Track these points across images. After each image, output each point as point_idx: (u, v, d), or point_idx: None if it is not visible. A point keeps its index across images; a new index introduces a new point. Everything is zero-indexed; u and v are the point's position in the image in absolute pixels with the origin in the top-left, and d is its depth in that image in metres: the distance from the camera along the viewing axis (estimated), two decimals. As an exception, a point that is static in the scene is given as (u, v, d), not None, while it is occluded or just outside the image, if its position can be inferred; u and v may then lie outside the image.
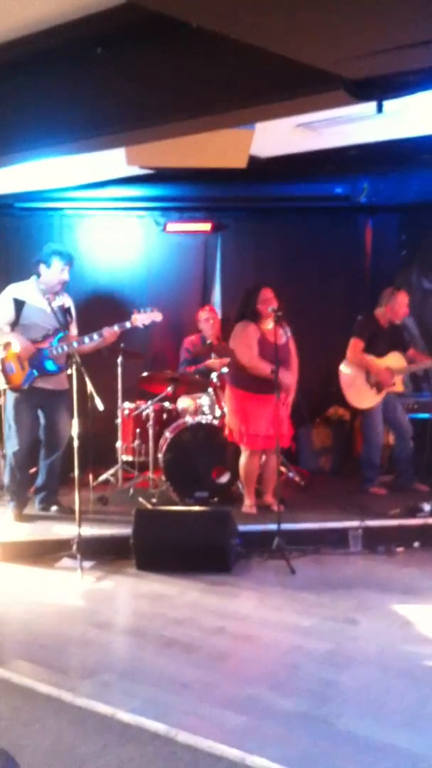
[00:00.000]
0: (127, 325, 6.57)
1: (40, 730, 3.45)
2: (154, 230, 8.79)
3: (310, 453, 8.38)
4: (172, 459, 6.92)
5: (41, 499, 6.83)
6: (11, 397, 6.54)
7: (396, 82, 3.82)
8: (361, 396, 7.27)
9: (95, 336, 6.43)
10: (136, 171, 7.15)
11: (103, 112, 4.57)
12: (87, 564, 5.70)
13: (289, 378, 6.56)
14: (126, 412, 7.64)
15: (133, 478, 7.53)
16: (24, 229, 8.41)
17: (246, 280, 8.03)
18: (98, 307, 8.34)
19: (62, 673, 4.06)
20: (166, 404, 7.59)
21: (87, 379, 5.69)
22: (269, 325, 6.50)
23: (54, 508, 6.79)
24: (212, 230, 8.79)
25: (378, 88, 3.87)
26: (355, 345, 7.26)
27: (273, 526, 5.91)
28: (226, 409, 6.89)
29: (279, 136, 6.12)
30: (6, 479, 6.77)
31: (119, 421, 7.61)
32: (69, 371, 5.79)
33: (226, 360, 7.02)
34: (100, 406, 5.74)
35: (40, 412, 6.68)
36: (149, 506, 6.74)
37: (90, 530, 5.93)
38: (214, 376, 7.30)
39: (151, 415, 7.36)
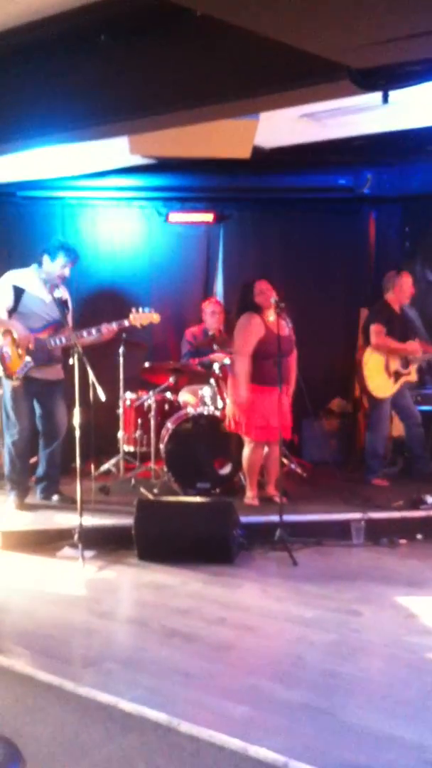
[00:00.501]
0: (125, 323, 6.59)
1: (42, 718, 3.44)
2: (157, 220, 8.77)
3: (314, 444, 8.36)
4: (174, 449, 6.91)
5: (42, 488, 6.84)
6: (8, 386, 6.53)
7: (402, 72, 3.81)
8: (382, 385, 7.26)
9: (93, 331, 6.43)
10: (138, 160, 7.13)
11: (107, 100, 4.56)
12: (88, 553, 5.70)
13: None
14: (128, 402, 7.63)
15: (134, 469, 7.53)
16: (26, 217, 8.40)
17: (248, 271, 8.02)
18: (100, 297, 8.34)
19: (64, 662, 4.06)
20: (168, 395, 7.58)
21: (89, 369, 5.69)
22: (271, 316, 6.48)
23: (55, 497, 6.80)
24: (215, 221, 8.77)
25: (383, 78, 3.86)
26: (378, 331, 7.24)
27: (275, 518, 5.91)
28: (228, 401, 6.88)
29: (283, 126, 6.10)
30: (6, 468, 6.77)
31: (121, 411, 7.60)
32: (71, 361, 5.78)
33: (228, 352, 7.01)
34: (102, 397, 5.74)
35: (36, 403, 6.68)
36: (151, 497, 6.73)
37: (91, 520, 5.93)
38: (216, 367, 7.29)
39: (153, 405, 7.35)
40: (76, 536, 5.68)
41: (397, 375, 7.24)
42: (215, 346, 7.63)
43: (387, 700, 3.62)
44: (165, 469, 6.95)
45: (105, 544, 5.93)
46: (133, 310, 6.67)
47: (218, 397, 7.15)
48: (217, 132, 5.57)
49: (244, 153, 6.07)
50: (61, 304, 6.53)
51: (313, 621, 4.59)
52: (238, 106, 4.42)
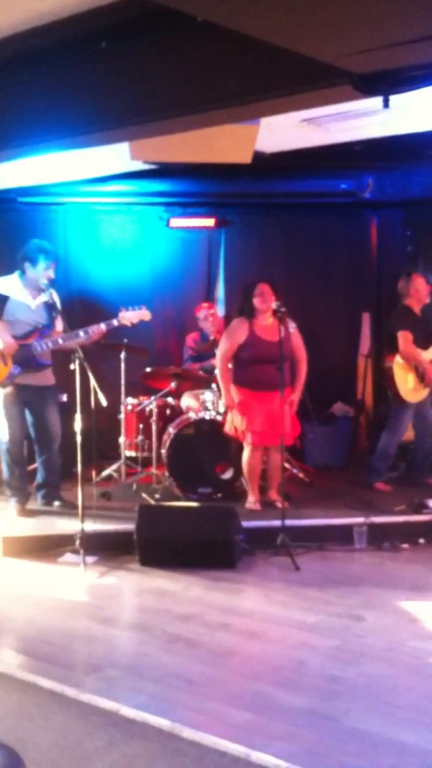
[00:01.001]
0: (114, 323, 6.54)
1: (44, 725, 3.44)
2: (158, 225, 8.77)
3: (315, 449, 8.35)
4: (176, 454, 6.91)
5: (43, 495, 6.82)
6: None
7: (403, 76, 3.80)
8: (412, 390, 7.19)
9: (81, 333, 6.36)
10: (140, 166, 7.14)
11: (108, 106, 4.57)
12: (90, 559, 5.69)
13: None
14: (129, 407, 7.63)
15: (136, 474, 7.53)
16: (27, 223, 8.40)
17: (250, 276, 8.00)
18: (101, 302, 8.34)
19: (66, 669, 4.06)
20: (170, 400, 7.58)
21: (90, 374, 5.68)
22: (268, 320, 6.48)
23: (56, 503, 6.78)
24: (216, 226, 8.77)
25: (384, 83, 3.85)
26: (405, 337, 7.15)
27: (277, 523, 5.89)
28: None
29: (284, 131, 6.11)
30: (5, 475, 6.76)
31: (122, 416, 7.60)
32: (72, 366, 5.77)
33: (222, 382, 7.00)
34: (104, 402, 5.74)
35: (27, 410, 6.66)
36: (152, 502, 6.73)
37: (93, 525, 5.92)
38: (217, 371, 7.28)
39: (155, 410, 7.35)
40: (77, 542, 5.67)
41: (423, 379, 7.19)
42: (216, 351, 7.62)
43: (390, 705, 3.61)
44: (167, 474, 6.95)
45: (107, 549, 5.92)
46: (122, 309, 6.63)
47: (220, 402, 7.15)
48: (218, 137, 5.58)
49: (245, 158, 6.07)
50: (49, 308, 6.50)
51: (315, 626, 4.58)
52: (238, 111, 4.43)
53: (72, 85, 4.62)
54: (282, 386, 6.07)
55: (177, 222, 8.73)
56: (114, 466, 7.64)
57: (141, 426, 7.57)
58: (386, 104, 4.16)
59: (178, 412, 7.50)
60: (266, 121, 5.45)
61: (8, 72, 4.78)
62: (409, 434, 7.71)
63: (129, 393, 7.64)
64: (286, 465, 7.23)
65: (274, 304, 6.28)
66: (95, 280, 8.63)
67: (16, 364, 6.36)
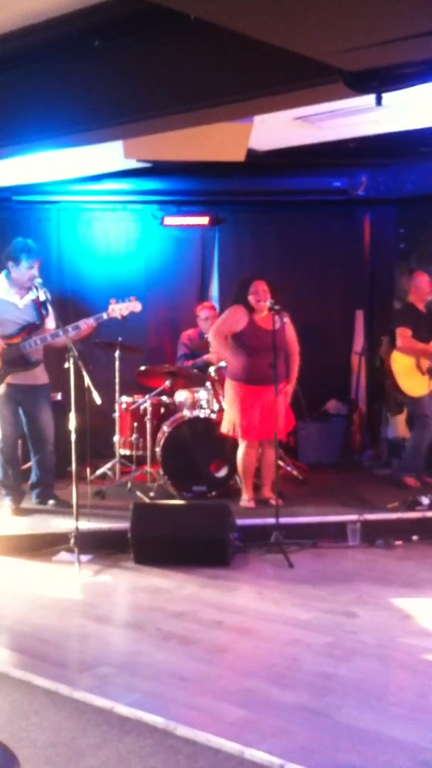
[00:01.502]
0: (104, 315, 6.53)
1: (38, 723, 3.44)
2: (152, 224, 8.78)
3: (309, 446, 8.36)
4: (170, 453, 6.91)
5: (37, 494, 6.82)
6: None
7: (395, 74, 3.81)
8: (416, 384, 7.20)
9: (70, 329, 6.34)
10: (133, 164, 7.13)
11: (101, 104, 4.57)
12: (84, 558, 5.70)
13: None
14: (123, 405, 7.62)
15: (130, 472, 7.53)
16: (21, 222, 8.40)
17: (244, 273, 8.01)
18: (94, 300, 8.31)
19: (60, 667, 4.06)
20: (164, 398, 7.58)
21: (84, 373, 5.68)
22: (263, 314, 6.50)
23: (51, 502, 6.77)
24: (210, 224, 8.77)
25: (377, 81, 3.86)
26: (403, 333, 7.20)
27: (271, 520, 5.91)
28: (224, 403, 6.90)
29: (277, 129, 6.11)
30: (-1, 474, 6.76)
31: (117, 414, 7.60)
32: (66, 365, 5.77)
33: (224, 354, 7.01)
34: (98, 400, 5.74)
35: (20, 409, 6.66)
36: (147, 500, 6.73)
37: (88, 524, 5.92)
38: (212, 370, 7.30)
39: (149, 408, 7.35)
40: (72, 540, 5.67)
41: (431, 372, 7.21)
42: (211, 349, 7.63)
43: (382, 701, 3.62)
44: (161, 472, 6.95)
45: (101, 548, 5.93)
46: (112, 301, 6.61)
47: (214, 400, 7.16)
48: (212, 135, 5.58)
49: (239, 156, 6.08)
50: (37, 306, 6.49)
51: (308, 623, 4.59)
52: (231, 109, 4.43)
53: (65, 83, 4.62)
54: (275, 381, 6.08)
55: (171, 220, 8.73)
56: (108, 465, 7.63)
57: (135, 424, 7.57)
58: (379, 102, 4.17)
59: (172, 410, 7.50)
60: (260, 119, 5.45)
61: (2, 70, 4.78)
62: (406, 432, 7.72)
63: (123, 391, 7.63)
64: (280, 463, 7.24)
65: (268, 302, 6.28)
66: (89, 278, 8.63)
67: (4, 363, 6.36)
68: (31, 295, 6.50)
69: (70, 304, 8.24)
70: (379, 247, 9.03)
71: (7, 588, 5.32)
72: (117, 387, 7.55)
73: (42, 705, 3.62)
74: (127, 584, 5.46)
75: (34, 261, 6.48)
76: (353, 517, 6.24)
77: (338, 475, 7.37)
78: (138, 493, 6.96)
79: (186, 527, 5.71)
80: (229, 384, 6.69)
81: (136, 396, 7.64)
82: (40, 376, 6.62)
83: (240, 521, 5.94)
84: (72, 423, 5.74)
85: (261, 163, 7.10)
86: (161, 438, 7.02)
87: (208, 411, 7.05)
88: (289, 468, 7.73)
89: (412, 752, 3.15)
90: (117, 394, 7.55)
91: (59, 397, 7.25)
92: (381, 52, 3.54)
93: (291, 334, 6.70)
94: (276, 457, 6.42)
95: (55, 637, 4.47)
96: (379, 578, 5.40)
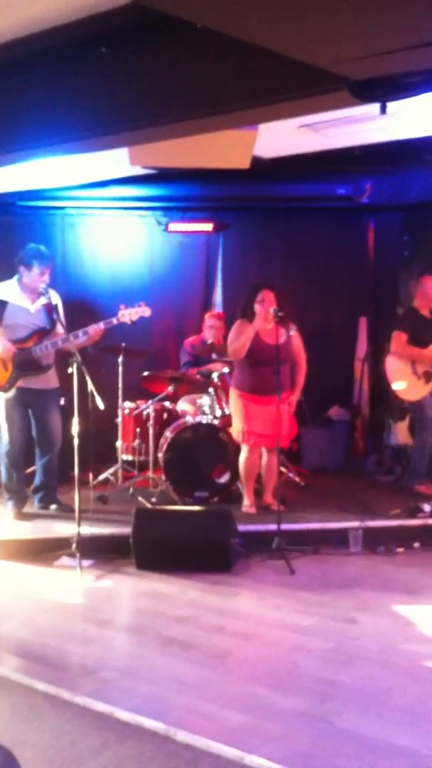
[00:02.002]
0: (114, 321, 6.57)
1: (39, 727, 3.45)
2: (156, 230, 8.78)
3: (312, 452, 8.36)
4: (172, 458, 6.92)
5: (40, 498, 6.84)
6: (1, 397, 6.54)
7: (400, 83, 3.82)
8: (411, 388, 7.19)
9: (80, 333, 6.41)
10: (138, 170, 7.15)
11: (107, 111, 4.58)
12: (86, 563, 5.70)
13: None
14: (126, 411, 7.63)
15: (133, 477, 7.53)
16: (26, 227, 8.40)
17: (248, 280, 8.03)
18: (99, 306, 8.34)
19: (62, 671, 4.07)
20: (167, 404, 7.59)
21: (88, 378, 5.70)
22: (269, 325, 6.51)
23: (53, 506, 6.79)
24: (214, 230, 8.77)
25: (382, 89, 3.87)
26: (398, 337, 7.20)
27: (273, 526, 5.91)
28: (227, 410, 6.91)
29: (282, 136, 6.12)
30: (3, 478, 6.77)
31: (120, 420, 7.60)
32: (70, 370, 5.79)
33: (227, 361, 7.04)
34: (101, 405, 5.75)
35: (30, 412, 6.68)
36: (149, 505, 6.74)
37: (90, 529, 5.93)
38: (215, 376, 7.31)
39: (152, 414, 7.36)
40: (74, 545, 5.67)
41: (428, 376, 7.15)
42: (214, 355, 7.65)
43: (383, 707, 3.63)
44: (163, 477, 6.96)
45: (103, 553, 5.94)
46: (122, 306, 6.66)
47: (217, 407, 7.17)
48: (217, 142, 5.58)
49: (244, 163, 6.09)
50: (48, 311, 6.52)
51: (310, 629, 4.60)
52: (237, 117, 4.44)
53: (72, 90, 4.64)
54: (278, 390, 6.09)
55: (175, 226, 8.74)
56: (111, 470, 7.64)
57: (138, 430, 7.58)
58: (383, 110, 4.18)
59: (175, 416, 7.51)
60: (265, 127, 5.46)
61: (8, 76, 4.79)
62: (408, 439, 7.72)
63: (126, 397, 7.64)
64: (282, 469, 7.24)
65: (271, 309, 6.30)
66: (93, 284, 8.64)
67: (16, 368, 6.39)
68: (43, 300, 6.54)
69: (74, 309, 8.22)
70: (384, 254, 9.03)
71: (9, 592, 5.33)
72: (120, 392, 7.56)
73: (43, 709, 3.64)
74: (129, 589, 5.47)
75: (45, 267, 6.52)
76: (355, 523, 6.25)
77: (341, 482, 7.38)
78: (140, 499, 6.97)
79: (188, 532, 5.71)
80: (233, 393, 6.72)
81: (139, 401, 7.65)
82: (50, 380, 6.66)
83: (242, 527, 5.94)
84: (75, 428, 5.76)
85: (266, 169, 7.11)
86: (164, 443, 7.03)
87: (210, 417, 7.06)
88: (291, 474, 7.74)
89: (413, 758, 3.16)
90: (120, 400, 7.57)
91: (62, 401, 7.25)
92: (386, 61, 3.55)
93: (298, 344, 6.72)
94: (278, 463, 6.43)
95: (57, 642, 4.48)
96: (381, 585, 5.41)
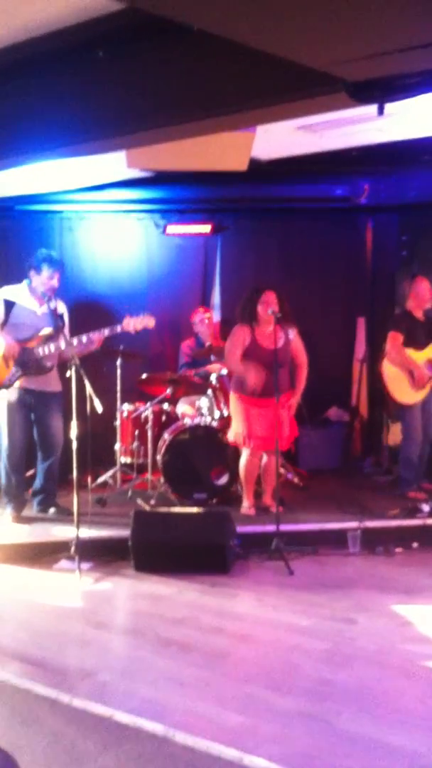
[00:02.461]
0: (118, 329, 6.59)
1: (38, 730, 3.46)
2: (154, 232, 8.79)
3: (310, 453, 8.37)
4: (171, 460, 6.93)
5: (39, 501, 6.84)
6: (2, 398, 6.55)
7: (397, 84, 3.83)
8: (406, 391, 7.17)
9: (84, 339, 6.45)
10: (136, 173, 7.16)
11: (104, 115, 4.59)
12: (85, 565, 5.70)
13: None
14: (125, 413, 7.64)
15: (131, 480, 7.53)
16: (24, 231, 8.42)
17: (246, 281, 8.05)
18: (98, 309, 8.36)
19: (60, 674, 4.07)
20: (165, 406, 7.60)
21: (86, 381, 5.70)
22: (269, 328, 6.51)
23: (52, 509, 6.80)
24: (212, 232, 8.77)
25: (379, 91, 3.88)
26: (394, 338, 7.17)
27: (271, 527, 5.92)
28: (225, 412, 6.92)
29: (280, 138, 6.14)
30: (2, 481, 6.78)
31: (118, 422, 7.61)
32: (68, 373, 5.80)
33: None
34: (99, 408, 5.76)
35: (32, 415, 6.70)
36: (147, 508, 6.74)
37: (88, 532, 5.93)
38: (213, 377, 7.32)
39: (150, 416, 7.36)
40: (72, 548, 5.67)
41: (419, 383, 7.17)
42: (212, 357, 7.66)
43: (381, 707, 3.63)
44: (162, 480, 6.97)
45: (102, 555, 5.94)
46: (127, 316, 6.70)
47: (215, 408, 7.18)
48: (214, 145, 5.60)
49: (241, 165, 6.09)
50: (55, 316, 6.54)
51: (308, 629, 4.60)
52: (234, 119, 4.45)
53: (69, 94, 4.64)
54: (277, 392, 6.10)
55: (173, 228, 8.73)
56: (110, 473, 7.64)
57: (137, 432, 7.58)
58: (381, 112, 4.19)
59: (173, 418, 7.52)
60: (262, 128, 5.47)
61: (6, 81, 4.80)
62: (399, 438, 7.70)
63: (125, 399, 7.65)
64: (282, 470, 7.25)
65: (269, 310, 6.31)
66: (92, 287, 8.65)
67: (18, 366, 6.42)
68: (51, 305, 6.56)
69: (72, 312, 8.21)
70: (381, 254, 9.04)
71: (8, 595, 5.33)
72: (118, 395, 7.57)
73: (42, 711, 3.64)
74: (127, 591, 5.47)
75: (55, 271, 6.60)
76: (353, 524, 6.26)
77: (339, 482, 7.39)
78: (139, 501, 6.98)
79: (186, 534, 5.71)
80: (233, 397, 6.73)
81: (137, 404, 7.66)
82: (53, 382, 6.67)
83: (240, 528, 5.95)
84: (73, 431, 5.76)
85: (263, 170, 7.12)
86: (162, 446, 7.03)
87: (209, 419, 7.07)
88: (290, 475, 7.74)
89: (411, 758, 3.16)
90: (118, 402, 7.57)
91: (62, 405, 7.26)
92: (383, 63, 3.56)
93: (298, 346, 6.69)
94: (277, 465, 6.43)
95: (55, 644, 4.49)
96: (379, 585, 5.42)
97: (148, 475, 7.30)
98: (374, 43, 3.35)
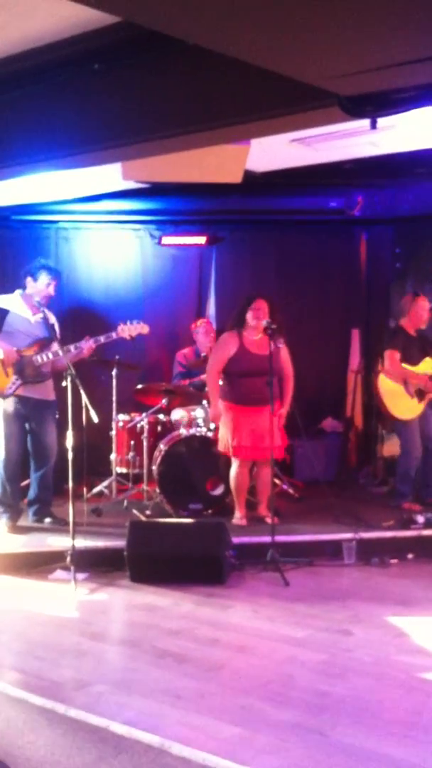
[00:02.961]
0: (113, 335, 6.65)
1: (33, 741, 3.45)
2: (150, 243, 8.82)
3: (305, 464, 8.37)
4: (167, 471, 6.94)
5: (35, 511, 6.85)
6: None
7: (390, 98, 3.86)
8: (404, 406, 7.19)
9: (72, 348, 6.50)
10: (131, 185, 7.19)
11: (100, 127, 4.62)
12: (81, 576, 5.71)
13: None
14: (120, 424, 7.64)
15: (127, 490, 7.54)
16: (20, 241, 8.45)
17: (241, 292, 8.05)
18: (93, 319, 8.37)
19: (56, 685, 4.06)
20: (161, 416, 7.61)
21: (82, 391, 5.71)
22: (258, 335, 6.54)
23: (48, 519, 6.80)
24: (207, 243, 8.81)
25: (372, 105, 3.91)
26: (391, 356, 7.20)
27: (267, 538, 5.92)
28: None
29: (274, 151, 6.17)
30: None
31: (114, 433, 7.62)
32: (64, 383, 5.81)
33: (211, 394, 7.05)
34: (95, 418, 5.77)
35: (27, 425, 6.71)
36: (143, 518, 6.75)
37: (84, 542, 5.93)
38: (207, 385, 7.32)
39: (146, 427, 7.37)
40: (68, 558, 5.68)
41: (420, 394, 7.16)
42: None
43: (377, 719, 3.63)
44: (157, 490, 6.98)
45: (97, 566, 5.94)
46: (121, 323, 6.74)
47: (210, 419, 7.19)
48: (209, 157, 5.63)
49: (236, 178, 6.13)
50: (48, 325, 6.57)
51: (304, 641, 4.60)
52: (229, 132, 4.48)
53: (65, 106, 4.67)
54: (272, 401, 6.11)
55: (168, 240, 8.77)
56: (105, 483, 7.64)
57: (132, 442, 7.59)
58: (374, 126, 4.23)
59: (169, 428, 7.53)
60: (257, 141, 5.51)
61: (2, 92, 4.84)
62: (394, 450, 7.71)
63: (120, 409, 7.66)
64: (276, 481, 7.26)
65: (264, 321, 6.33)
66: (87, 297, 8.67)
67: (17, 374, 6.44)
68: (42, 315, 6.58)
69: (67, 322, 8.25)
70: (376, 266, 9.08)
71: (3, 606, 5.33)
72: (114, 405, 7.58)
73: (37, 722, 3.63)
74: (123, 602, 5.47)
75: (52, 279, 6.66)
76: (349, 535, 6.26)
77: (334, 493, 7.39)
78: (134, 511, 6.98)
79: (182, 545, 5.72)
80: (220, 404, 6.73)
81: (133, 414, 7.67)
82: (49, 391, 6.71)
83: (236, 539, 5.96)
84: (69, 441, 5.77)
85: (258, 182, 7.16)
86: (158, 456, 7.04)
87: (204, 429, 7.08)
88: (285, 486, 7.75)
89: (406, 770, 3.17)
90: (114, 412, 7.58)
91: (56, 415, 7.26)
92: (376, 78, 3.59)
93: (285, 357, 6.71)
94: (272, 475, 6.44)
95: (51, 655, 4.48)
96: (375, 596, 5.42)
97: (144, 486, 7.31)
98: (368, 58, 3.39)
